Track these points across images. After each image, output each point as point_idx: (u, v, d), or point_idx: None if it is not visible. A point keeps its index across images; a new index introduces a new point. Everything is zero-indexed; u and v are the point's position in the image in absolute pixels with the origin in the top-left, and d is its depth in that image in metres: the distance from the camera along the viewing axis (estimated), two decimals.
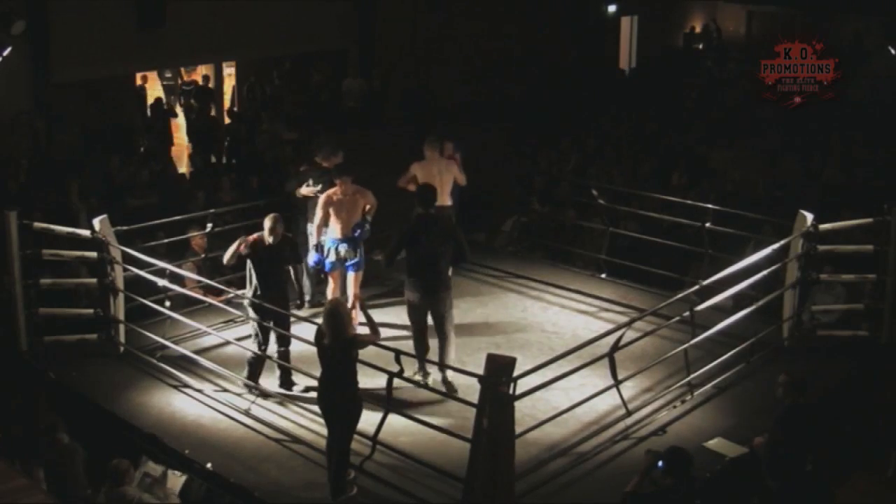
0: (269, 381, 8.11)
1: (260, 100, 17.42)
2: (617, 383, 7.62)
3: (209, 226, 9.94)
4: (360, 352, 6.76)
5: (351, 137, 14.39)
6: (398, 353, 6.80)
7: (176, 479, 7.10)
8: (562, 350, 7.78)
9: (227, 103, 18.28)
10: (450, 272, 8.40)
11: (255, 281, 8.06)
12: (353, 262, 8.98)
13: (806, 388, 6.91)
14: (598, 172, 12.99)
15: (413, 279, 8.10)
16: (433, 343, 8.12)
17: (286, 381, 8.14)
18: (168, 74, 19.71)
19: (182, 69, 19.30)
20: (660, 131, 15.30)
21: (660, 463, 5.89)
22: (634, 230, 10.78)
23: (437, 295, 8.08)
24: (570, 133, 15.32)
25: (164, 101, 17.52)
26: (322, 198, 9.00)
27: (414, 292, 8.10)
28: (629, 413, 7.58)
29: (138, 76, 17.49)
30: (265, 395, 7.95)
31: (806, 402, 6.89)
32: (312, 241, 9.10)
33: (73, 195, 10.92)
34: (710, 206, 10.06)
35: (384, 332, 8.01)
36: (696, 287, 8.37)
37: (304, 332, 8.05)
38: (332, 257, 8.98)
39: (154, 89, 18.56)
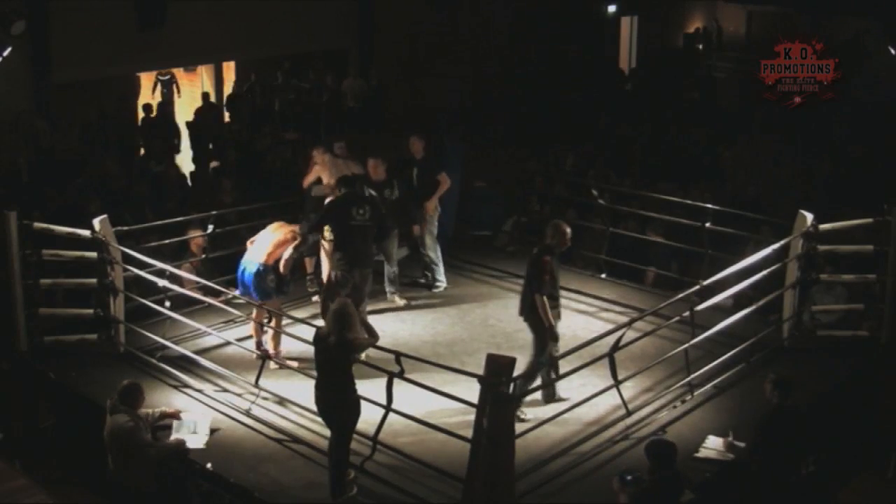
0: (272, 382, 8.11)
1: (260, 100, 17.40)
2: (617, 383, 7.63)
3: (210, 227, 9.95)
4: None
5: (350, 138, 14.38)
6: (398, 355, 6.80)
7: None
8: (562, 350, 7.80)
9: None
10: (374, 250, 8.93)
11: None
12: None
13: (792, 390, 6.89)
14: (597, 173, 12.99)
15: (345, 252, 8.51)
16: None
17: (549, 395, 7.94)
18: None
19: None
20: (659, 132, 15.29)
21: (628, 477, 6.08)
22: (634, 230, 10.77)
23: (365, 269, 8.53)
24: (569, 134, 15.33)
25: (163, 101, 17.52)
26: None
27: (346, 267, 8.48)
28: (629, 413, 7.59)
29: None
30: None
31: (791, 405, 6.87)
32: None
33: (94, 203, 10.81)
34: (709, 205, 10.06)
35: (383, 334, 8.02)
36: (697, 287, 8.37)
37: (302, 332, 8.05)
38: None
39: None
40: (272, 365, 8.32)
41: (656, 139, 14.94)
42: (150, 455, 6.86)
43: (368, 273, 8.69)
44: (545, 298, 7.66)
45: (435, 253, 10.35)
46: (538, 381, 7.53)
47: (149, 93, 18.06)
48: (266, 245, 8.54)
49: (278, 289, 8.51)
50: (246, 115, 16.55)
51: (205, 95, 16.98)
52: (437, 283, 10.41)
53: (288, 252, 8.50)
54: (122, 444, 6.77)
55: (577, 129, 15.97)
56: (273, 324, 8.48)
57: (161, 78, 17.99)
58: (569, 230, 7.94)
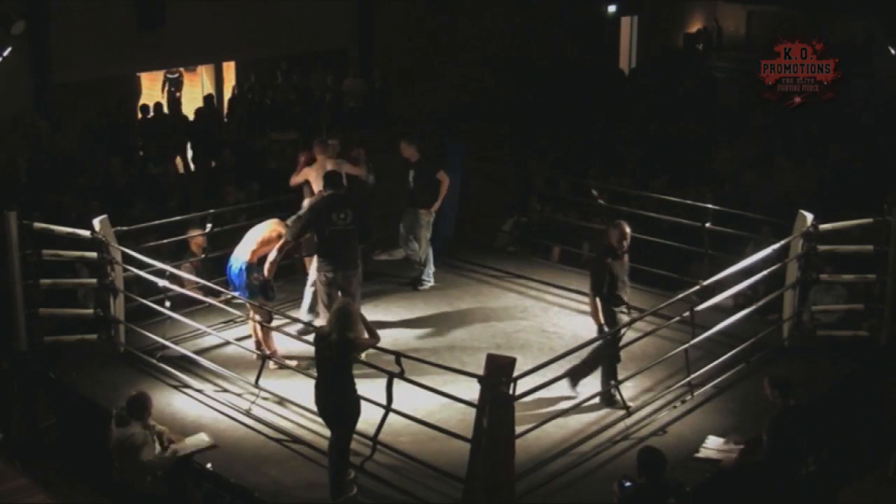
0: (272, 382, 8.12)
1: (259, 101, 17.40)
2: (617, 383, 7.65)
3: (209, 226, 9.95)
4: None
5: (351, 138, 14.40)
6: (398, 355, 6.81)
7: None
8: (562, 350, 7.81)
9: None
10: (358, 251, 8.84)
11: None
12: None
13: (791, 388, 6.89)
14: (596, 174, 12.98)
15: (327, 256, 8.46)
16: None
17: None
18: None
19: None
20: (658, 132, 15.29)
21: (626, 483, 6.04)
22: (634, 230, 10.74)
23: (348, 271, 8.46)
24: (565, 133, 15.34)
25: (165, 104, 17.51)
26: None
27: (328, 269, 8.44)
28: (629, 413, 7.59)
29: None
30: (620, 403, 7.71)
31: (796, 403, 6.88)
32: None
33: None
34: (710, 206, 10.06)
35: (383, 334, 8.02)
36: (697, 287, 8.37)
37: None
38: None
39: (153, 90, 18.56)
40: (271, 365, 8.32)
41: (655, 139, 14.93)
42: (155, 469, 6.82)
43: (353, 274, 8.60)
44: (599, 300, 7.79)
45: (426, 254, 10.38)
46: (542, 380, 7.48)
47: (150, 93, 18.06)
48: (251, 243, 8.54)
49: (263, 290, 8.48)
50: (244, 116, 16.54)
51: (207, 98, 16.93)
52: (424, 282, 10.44)
53: (273, 255, 8.47)
54: (128, 457, 6.74)
55: (573, 129, 15.95)
56: (262, 322, 8.48)
57: (169, 76, 18.03)
58: (629, 231, 7.98)
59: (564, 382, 7.74)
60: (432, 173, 10.16)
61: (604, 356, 7.78)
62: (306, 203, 9.07)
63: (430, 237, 10.39)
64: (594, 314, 7.88)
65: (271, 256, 8.44)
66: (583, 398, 7.66)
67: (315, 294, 9.11)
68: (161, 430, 7.11)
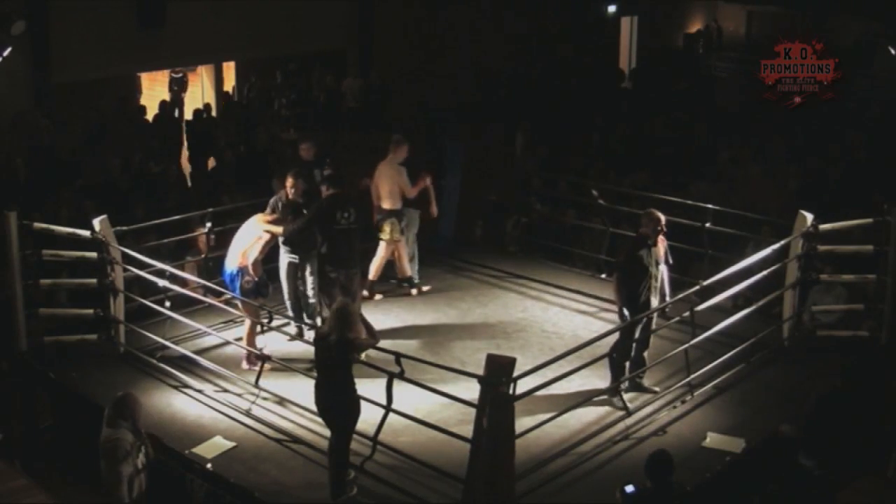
0: (272, 382, 8.11)
1: (260, 100, 17.40)
2: (617, 383, 7.65)
3: (208, 225, 9.93)
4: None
5: (350, 138, 14.40)
6: (398, 356, 6.80)
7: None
8: (562, 350, 7.82)
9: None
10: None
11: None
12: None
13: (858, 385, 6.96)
14: (596, 174, 12.97)
15: (332, 255, 8.52)
16: None
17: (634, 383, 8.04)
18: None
19: None
20: (657, 132, 15.28)
21: (628, 488, 5.99)
22: (634, 230, 10.74)
23: (350, 270, 8.57)
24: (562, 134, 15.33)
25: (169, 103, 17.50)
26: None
27: (331, 269, 8.52)
28: (629, 413, 7.59)
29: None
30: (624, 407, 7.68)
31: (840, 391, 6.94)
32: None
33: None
34: (710, 206, 10.06)
35: (383, 335, 8.02)
36: (697, 287, 8.38)
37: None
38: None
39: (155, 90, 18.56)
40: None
41: (653, 139, 14.92)
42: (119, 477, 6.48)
43: (355, 273, 8.70)
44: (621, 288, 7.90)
45: (413, 251, 10.41)
46: (542, 380, 7.48)
47: (150, 93, 18.07)
48: (238, 246, 8.53)
49: (256, 290, 8.48)
50: (244, 116, 16.53)
51: (206, 106, 16.90)
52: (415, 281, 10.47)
53: (254, 255, 8.47)
54: (109, 462, 6.54)
55: (572, 129, 15.93)
56: (248, 323, 8.48)
57: (174, 76, 18.04)
58: (663, 217, 8.00)
59: (564, 382, 7.75)
60: (414, 175, 10.15)
61: (624, 347, 7.84)
62: (273, 200, 9.05)
63: (431, 237, 10.40)
64: (615, 294, 7.97)
65: (252, 257, 8.46)
66: (583, 398, 7.66)
67: (294, 299, 9.19)
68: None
